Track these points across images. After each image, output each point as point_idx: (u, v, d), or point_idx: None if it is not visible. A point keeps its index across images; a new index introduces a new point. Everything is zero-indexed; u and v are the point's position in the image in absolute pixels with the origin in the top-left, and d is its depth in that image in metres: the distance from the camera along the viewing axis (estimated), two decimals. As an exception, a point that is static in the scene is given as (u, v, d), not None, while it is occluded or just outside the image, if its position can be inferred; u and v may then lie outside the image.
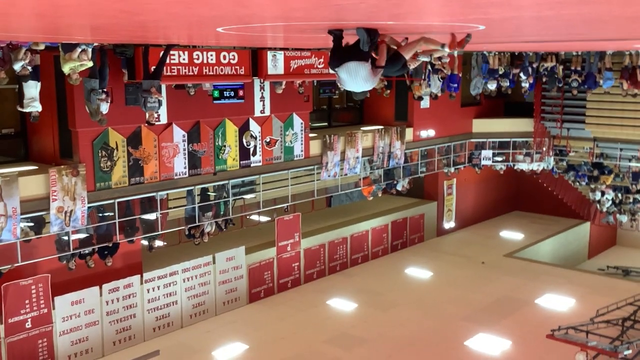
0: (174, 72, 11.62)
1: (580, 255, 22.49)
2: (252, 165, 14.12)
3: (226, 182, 13.66)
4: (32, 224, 11.11)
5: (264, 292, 15.43)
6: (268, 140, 14.37)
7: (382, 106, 18.28)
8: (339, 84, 6.17)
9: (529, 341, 13.05)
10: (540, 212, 22.97)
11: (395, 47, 6.14)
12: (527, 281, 16.65)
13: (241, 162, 13.90)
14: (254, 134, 14.08)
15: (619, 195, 20.42)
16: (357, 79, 5.82)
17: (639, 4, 4.44)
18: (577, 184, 21.06)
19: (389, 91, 17.00)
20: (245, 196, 14.65)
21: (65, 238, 11.39)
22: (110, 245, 12.14)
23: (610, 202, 20.64)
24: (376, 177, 17.52)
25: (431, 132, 18.98)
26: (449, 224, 21.04)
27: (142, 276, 13.09)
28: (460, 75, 17.68)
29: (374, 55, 5.82)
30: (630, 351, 11.62)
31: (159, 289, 13.36)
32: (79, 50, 9.39)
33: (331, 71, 6.12)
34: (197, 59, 11.89)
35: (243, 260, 14.89)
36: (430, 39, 6.14)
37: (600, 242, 23.39)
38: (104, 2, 4.07)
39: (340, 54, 5.83)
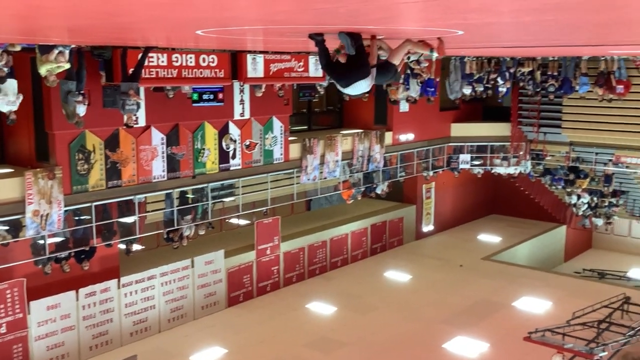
0: (153, 74, 11.53)
1: (557, 258, 22.75)
2: (231, 168, 14.07)
3: (205, 185, 13.59)
4: (7, 228, 10.94)
5: (243, 296, 15.37)
6: (248, 143, 14.33)
7: (361, 110, 18.34)
8: (340, 89, 6.23)
9: (507, 343, 13.16)
10: (518, 215, 23.19)
11: (384, 50, 6.21)
12: (504, 284, 16.80)
13: (220, 165, 13.84)
14: (233, 137, 14.03)
15: (595, 199, 20.70)
16: (359, 90, 6.08)
17: (613, 10, 4.51)
18: (554, 187, 21.31)
19: (367, 95, 17.04)
20: (224, 199, 14.59)
21: (41, 242, 11.24)
22: (87, 249, 12.01)
23: (586, 206, 20.92)
24: (356, 181, 17.56)
25: (410, 136, 19.08)
26: (427, 228, 21.16)
27: (119, 280, 12.96)
28: (438, 79, 17.79)
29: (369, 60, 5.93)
30: (605, 353, 11.77)
31: (136, 293, 13.24)
32: (56, 52, 9.28)
33: (325, 81, 6.25)
34: (176, 61, 11.82)
35: (222, 264, 14.82)
36: (416, 43, 6.21)
37: (576, 245, 23.69)
38: (82, 4, 4.03)
39: (342, 72, 5.93)
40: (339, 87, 6.12)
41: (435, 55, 6.35)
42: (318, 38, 5.95)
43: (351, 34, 5.72)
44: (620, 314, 14.16)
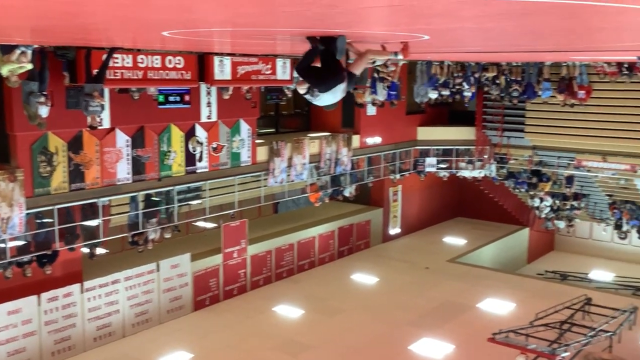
0: (118, 75, 11.38)
1: (520, 260, 23.12)
2: (198, 171, 13.96)
3: (171, 188, 13.46)
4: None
5: (210, 300, 15.26)
6: (215, 146, 14.25)
7: (329, 113, 18.33)
8: (306, 97, 6.12)
9: (471, 345, 13.32)
10: (482, 218, 23.51)
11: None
12: (469, 286, 17.01)
13: (187, 168, 13.73)
14: (200, 140, 13.93)
15: (557, 202, 21.11)
16: (336, 97, 6.04)
17: (575, 17, 4.61)
18: (517, 190, 21.67)
19: (336, 105, 17.06)
20: (191, 202, 14.47)
21: (2, 245, 10.99)
22: (50, 253, 11.78)
23: (548, 209, 21.33)
24: (323, 184, 17.59)
25: (377, 139, 19.20)
26: (394, 230, 21.31)
27: (82, 285, 12.74)
28: (399, 82, 17.89)
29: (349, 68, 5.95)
30: (568, 354, 12.00)
31: (100, 297, 13.03)
32: (18, 52, 9.09)
33: (295, 86, 6.14)
34: (142, 62, 11.69)
35: (188, 268, 14.69)
36: (377, 51, 6.25)
37: (539, 247, 24.12)
38: (45, 4, 3.96)
39: (321, 79, 5.86)
40: (309, 96, 6.03)
41: (400, 57, 6.41)
42: (317, 45, 5.88)
43: (324, 38, 5.74)
44: (582, 315, 14.45)
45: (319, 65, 5.86)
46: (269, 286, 16.64)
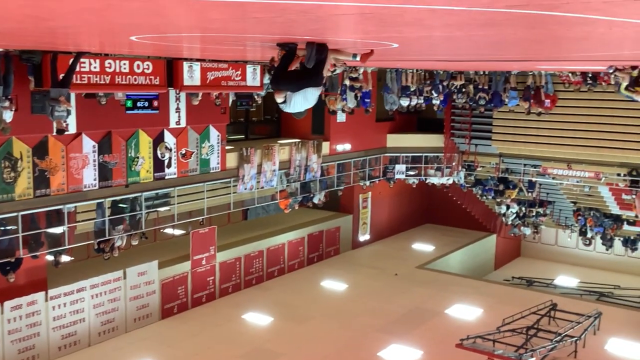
0: (84, 80, 11.20)
1: (487, 266, 23.40)
2: (166, 177, 13.81)
3: (139, 194, 13.29)
4: None
5: (178, 308, 15.09)
6: (183, 152, 14.13)
7: (299, 120, 18.38)
8: (284, 109, 6.17)
9: (439, 350, 13.42)
10: (450, 224, 23.74)
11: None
12: (437, 292, 17.14)
13: (155, 174, 13.57)
14: (168, 146, 13.80)
15: (523, 208, 21.44)
16: (308, 102, 6.07)
17: (541, 27, 4.70)
18: (484, 197, 21.95)
19: (305, 113, 17.13)
20: (159, 209, 14.30)
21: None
22: (13, 260, 11.51)
23: (514, 215, 21.65)
24: (293, 190, 17.57)
25: (347, 146, 19.27)
26: (364, 237, 21.38)
27: (47, 293, 12.49)
28: (371, 90, 18.03)
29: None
30: (534, 359, 12.18)
31: (65, 306, 12.79)
32: (-19, 55, 8.91)
33: (273, 91, 6.13)
34: (109, 67, 11.53)
35: (156, 275, 14.51)
36: (340, 51, 6.32)
37: (505, 254, 24.44)
38: (10, 6, 3.89)
39: (294, 78, 5.90)
40: (284, 105, 6.07)
41: (357, 59, 6.51)
42: (291, 46, 5.94)
43: (318, 45, 5.77)
44: (548, 320, 14.68)
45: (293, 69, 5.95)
46: (238, 293, 16.54)
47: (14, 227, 11.40)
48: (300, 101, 6.03)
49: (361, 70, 17.06)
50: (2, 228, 11.46)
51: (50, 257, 12.54)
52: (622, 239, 21.03)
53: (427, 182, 21.04)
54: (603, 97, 18.36)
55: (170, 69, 12.64)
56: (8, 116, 10.02)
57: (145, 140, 13.30)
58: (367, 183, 20.19)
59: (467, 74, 18.75)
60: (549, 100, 18.43)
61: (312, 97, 6.03)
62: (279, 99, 6.01)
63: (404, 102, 18.53)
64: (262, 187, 16.25)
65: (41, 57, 10.42)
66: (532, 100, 18.40)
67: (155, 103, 13.30)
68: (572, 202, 21.14)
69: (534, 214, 21.48)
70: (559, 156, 19.47)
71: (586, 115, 18.71)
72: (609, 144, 18.41)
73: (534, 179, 20.34)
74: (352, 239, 20.91)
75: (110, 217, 12.84)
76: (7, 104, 9.90)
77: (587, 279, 21.58)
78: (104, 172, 12.59)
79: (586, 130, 18.73)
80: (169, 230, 16.15)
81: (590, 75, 17.14)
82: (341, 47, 6.32)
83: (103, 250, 13.02)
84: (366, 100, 17.64)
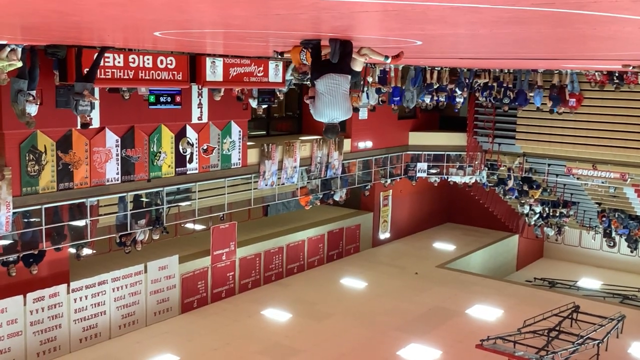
0: (108, 75, 11.29)
1: (509, 266, 23.18)
2: (188, 172, 13.89)
3: (161, 189, 13.38)
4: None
5: (197, 302, 15.17)
6: (205, 147, 14.18)
7: (320, 116, 18.34)
8: (314, 113, 6.02)
9: (459, 351, 13.32)
10: (472, 224, 23.55)
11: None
12: (458, 292, 17.02)
13: (177, 169, 13.65)
14: (190, 141, 13.87)
15: (547, 209, 21.18)
16: (337, 96, 5.79)
17: (567, 25, 4.62)
18: (507, 197, 21.73)
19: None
20: (180, 204, 14.39)
21: (-12, 244, 10.89)
22: (36, 252, 11.67)
23: (537, 216, 21.40)
24: (313, 187, 17.56)
25: (369, 144, 19.20)
26: (384, 235, 21.30)
27: (69, 285, 12.63)
28: (399, 87, 17.95)
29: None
30: (554, 360, 12.03)
31: (86, 298, 12.93)
32: (8, 49, 9.01)
33: (307, 101, 6.04)
34: (133, 62, 11.60)
35: (176, 270, 14.60)
36: (375, 50, 6.29)
37: (528, 254, 24.19)
38: (36, 1, 3.92)
39: (319, 66, 5.85)
40: (315, 110, 5.97)
41: (389, 61, 6.45)
42: (315, 42, 5.90)
43: (342, 41, 5.73)
44: (570, 323, 14.49)
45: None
46: (258, 289, 16.58)
47: (37, 220, 11.55)
48: (326, 96, 5.78)
49: (389, 68, 16.99)
50: (26, 220, 11.61)
51: (72, 250, 12.69)
52: (647, 241, 20.66)
53: (449, 180, 20.90)
54: (630, 97, 18.06)
55: (193, 65, 12.69)
56: (32, 110, 10.13)
57: (167, 135, 13.38)
58: (389, 181, 20.10)
59: (492, 71, 18.56)
60: (574, 100, 18.16)
61: (340, 89, 5.80)
62: (308, 97, 5.95)
63: (427, 99, 18.40)
64: (283, 184, 16.27)
65: (66, 51, 10.51)
66: (560, 102, 18.13)
67: (178, 98, 13.36)
68: (597, 202, 20.83)
69: (557, 214, 21.21)
70: (584, 156, 19.20)
71: (612, 115, 18.43)
72: (635, 145, 18.11)
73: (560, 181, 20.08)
74: (372, 236, 20.85)
75: (132, 211, 12.95)
76: (30, 97, 10.01)
77: (610, 282, 21.27)
78: (127, 167, 12.69)
79: (612, 131, 18.45)
80: (189, 225, 16.23)
81: (616, 74, 16.86)
82: (373, 45, 6.29)
83: (124, 244, 13.14)
84: (394, 98, 17.59)
